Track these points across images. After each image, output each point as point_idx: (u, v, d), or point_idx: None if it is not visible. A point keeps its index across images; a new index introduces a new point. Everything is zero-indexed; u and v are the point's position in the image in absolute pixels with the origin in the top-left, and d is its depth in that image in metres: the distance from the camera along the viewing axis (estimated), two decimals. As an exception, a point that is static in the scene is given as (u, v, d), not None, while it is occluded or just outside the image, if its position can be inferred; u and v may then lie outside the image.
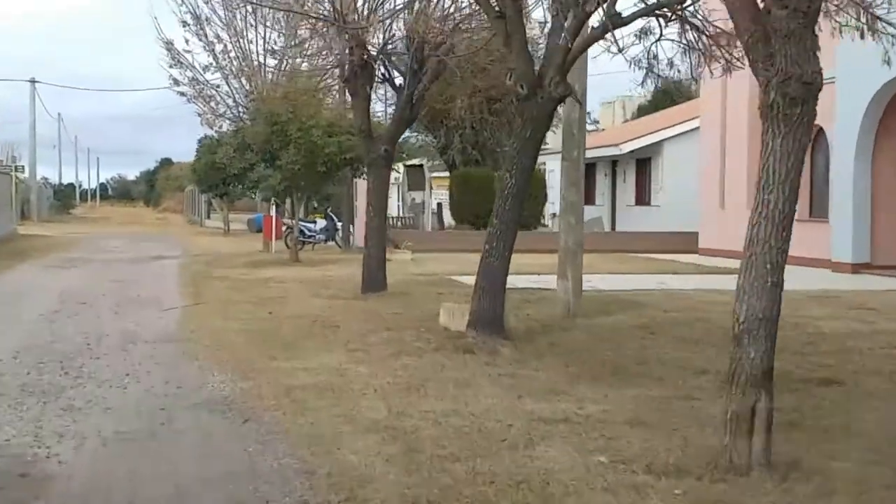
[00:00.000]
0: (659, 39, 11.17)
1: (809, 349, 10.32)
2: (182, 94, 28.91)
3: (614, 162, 34.84)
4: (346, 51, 14.54)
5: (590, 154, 36.63)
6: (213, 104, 29.00)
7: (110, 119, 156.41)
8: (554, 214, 35.23)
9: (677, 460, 6.09)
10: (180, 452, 6.57)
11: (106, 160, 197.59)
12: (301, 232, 30.81)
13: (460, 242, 28.64)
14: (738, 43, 10.87)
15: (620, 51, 9.84)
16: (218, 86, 28.61)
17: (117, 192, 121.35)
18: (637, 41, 11.43)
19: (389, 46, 14.98)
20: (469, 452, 6.22)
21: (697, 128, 30.20)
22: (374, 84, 15.10)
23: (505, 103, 42.49)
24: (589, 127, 56.42)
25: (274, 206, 28.23)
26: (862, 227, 19.25)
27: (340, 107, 23.20)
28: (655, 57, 11.99)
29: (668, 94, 49.28)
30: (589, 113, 59.86)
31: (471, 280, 18.15)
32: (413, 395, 7.98)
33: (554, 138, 44.53)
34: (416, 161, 45.76)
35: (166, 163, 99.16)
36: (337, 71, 18.84)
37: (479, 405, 7.60)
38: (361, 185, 25.96)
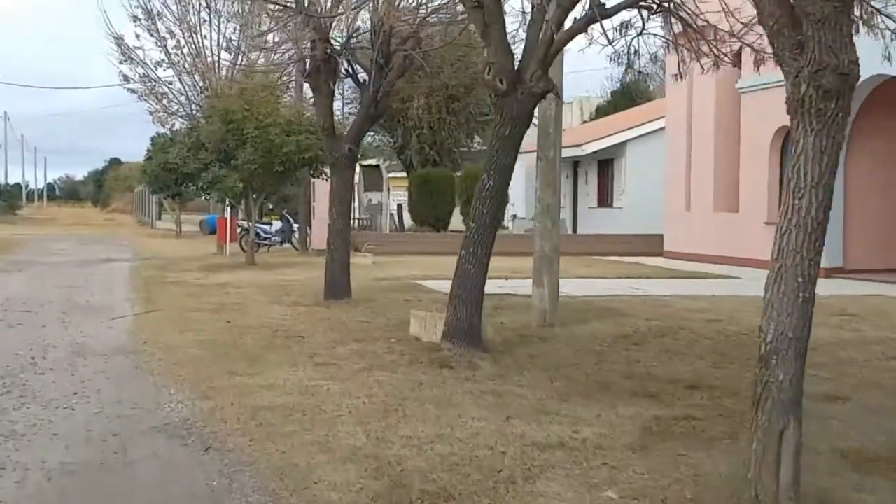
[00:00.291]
0: (641, 33, 10.64)
1: (811, 361, 9.75)
2: (133, 91, 28.03)
3: (576, 163, 34.36)
4: (309, 44, 13.82)
5: (550, 155, 36.29)
6: (165, 102, 28.11)
7: (58, 118, 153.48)
8: (514, 216, 34.69)
9: (695, 495, 5.48)
10: (136, 488, 5.84)
11: (53, 160, 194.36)
12: (256, 234, 30.03)
13: (421, 244, 28.06)
14: (726, 38, 10.38)
15: (611, 43, 9.25)
16: (170, 83, 27.72)
17: (65, 193, 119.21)
18: (619, 35, 10.91)
19: (353, 40, 14.28)
20: (463, 488, 5.56)
21: (661, 128, 29.81)
22: (338, 80, 14.36)
23: (464, 103, 42.17)
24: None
25: (229, 208, 27.35)
26: (834, 232, 18.86)
27: (298, 104, 22.45)
28: (636, 52, 11.48)
29: (628, 95, 49.13)
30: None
31: (437, 285, 17.67)
32: (392, 416, 7.29)
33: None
34: (372, 161, 45.03)
35: (115, 163, 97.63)
36: (296, 66, 18.17)
37: (466, 429, 6.94)
38: (319, 185, 25.26)
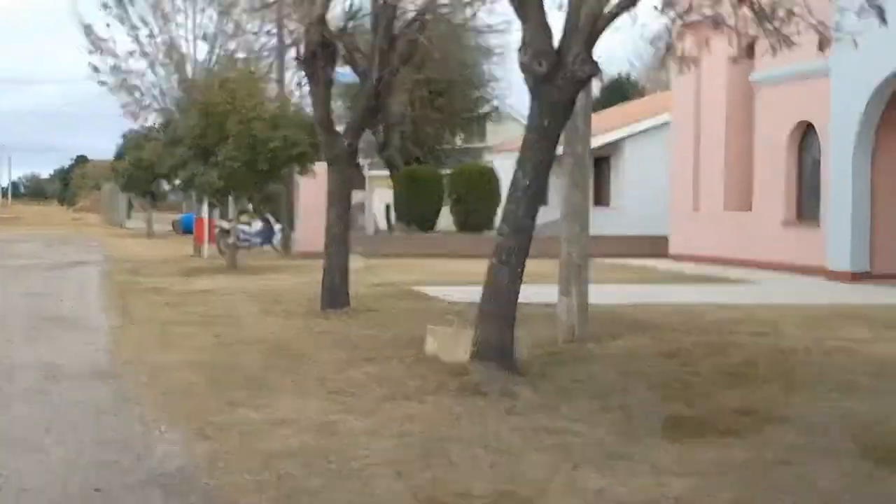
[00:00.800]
0: (689, 11, 9.49)
1: (891, 386, 8.58)
2: (103, 83, 26.48)
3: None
4: (303, 28, 12.51)
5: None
6: (137, 95, 26.60)
7: (22, 114, 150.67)
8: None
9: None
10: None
11: (17, 158, 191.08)
12: (236, 235, 28.59)
13: (410, 246, 26.75)
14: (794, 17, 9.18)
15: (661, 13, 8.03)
16: (143, 74, 26.22)
17: (30, 191, 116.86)
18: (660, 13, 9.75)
19: (352, 22, 12.98)
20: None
21: (662, 124, 28.72)
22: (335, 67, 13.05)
23: (448, 98, 40.85)
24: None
25: (207, 207, 25.92)
26: (861, 233, 17.78)
27: (282, 96, 21.10)
28: (681, 32, 10.28)
29: (618, 91, 48.03)
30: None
31: (438, 291, 16.34)
32: (435, 464, 6.01)
33: (495, 132, 42.85)
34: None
35: (82, 160, 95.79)
36: (276, 54, 16.89)
37: (530, 482, 5.68)
38: (304, 184, 23.90)
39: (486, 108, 42.67)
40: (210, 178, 19.50)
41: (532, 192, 8.44)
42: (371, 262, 21.78)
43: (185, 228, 42.11)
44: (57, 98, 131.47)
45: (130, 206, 52.60)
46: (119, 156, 42.69)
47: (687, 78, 23.48)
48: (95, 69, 26.39)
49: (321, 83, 12.78)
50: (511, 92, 43.98)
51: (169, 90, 26.43)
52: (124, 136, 27.19)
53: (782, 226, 20.34)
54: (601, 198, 31.18)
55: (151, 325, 12.43)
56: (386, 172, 40.05)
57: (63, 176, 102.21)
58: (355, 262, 21.43)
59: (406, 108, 35.17)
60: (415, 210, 32.86)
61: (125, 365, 9.65)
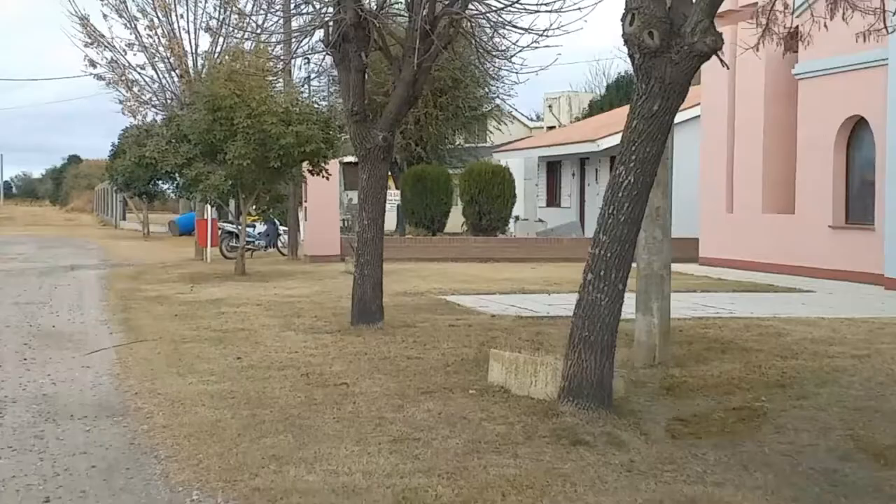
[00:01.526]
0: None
1: None
2: (100, 77, 24.96)
3: (583, 160, 31.71)
4: (336, 6, 11.02)
5: (556, 151, 33.58)
6: (136, 90, 25.07)
7: (13, 113, 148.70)
8: (517, 217, 31.93)
9: None
10: None
11: (9, 157, 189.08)
12: (238, 237, 27.05)
13: (421, 249, 25.19)
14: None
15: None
16: (143, 67, 24.68)
17: (22, 191, 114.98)
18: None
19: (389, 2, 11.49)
20: None
21: (686, 120, 27.18)
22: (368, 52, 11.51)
23: (451, 96, 39.39)
24: (535, 124, 53.51)
25: (211, 208, 24.41)
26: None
27: (291, 90, 19.59)
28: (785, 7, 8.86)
29: (623, 90, 46.54)
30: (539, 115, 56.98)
31: (472, 302, 14.78)
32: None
33: (495, 132, 41.43)
34: (351, 158, 42.14)
35: (75, 160, 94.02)
36: (286, 43, 15.54)
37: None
38: (313, 184, 22.38)
39: (488, 107, 41.20)
40: (217, 178, 17.97)
41: (637, 192, 6.96)
42: (386, 266, 20.25)
43: (183, 229, 40.57)
44: (49, 97, 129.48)
45: (125, 206, 50.92)
46: (115, 155, 41.05)
47: (719, 71, 22.05)
48: (92, 63, 24.89)
49: (353, 69, 11.27)
50: (515, 91, 42.46)
51: (170, 85, 24.92)
52: (123, 132, 25.57)
53: (830, 230, 18.88)
54: (621, 199, 29.71)
55: (161, 344, 10.92)
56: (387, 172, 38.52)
57: (55, 176, 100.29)
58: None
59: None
60: (423, 211, 31.35)
61: (135, 397, 8.15)
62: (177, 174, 18.61)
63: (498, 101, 40.97)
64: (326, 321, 12.59)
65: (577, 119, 46.99)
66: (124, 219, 51.36)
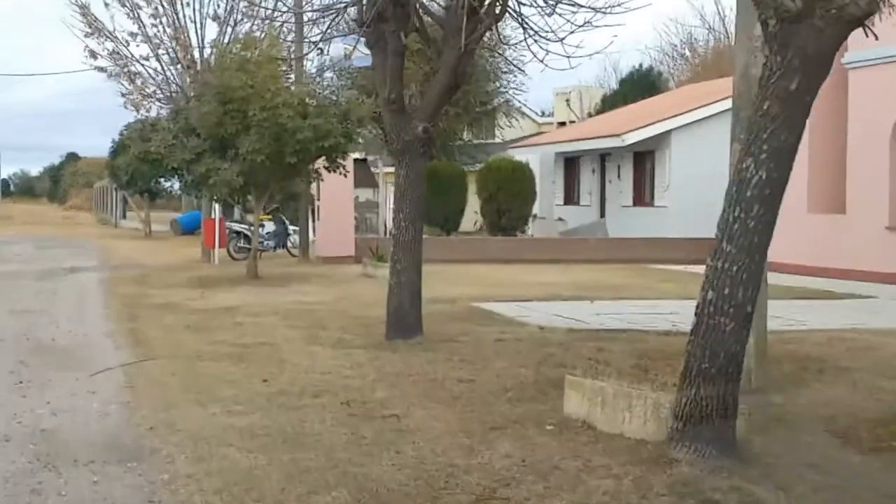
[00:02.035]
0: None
1: None
2: (101, 69, 23.66)
3: (603, 156, 30.43)
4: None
5: (574, 147, 32.33)
6: (139, 82, 23.79)
7: (10, 111, 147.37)
8: (535, 216, 30.71)
9: None
10: None
11: (7, 155, 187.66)
12: (246, 238, 25.80)
13: (439, 250, 23.67)
14: None
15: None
16: (146, 57, 23.39)
17: (19, 189, 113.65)
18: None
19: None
20: None
21: (715, 114, 26.02)
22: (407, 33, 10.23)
23: (462, 91, 38.17)
24: (544, 119, 52.31)
25: (219, 207, 23.15)
26: None
27: (306, 80, 18.31)
28: None
29: (640, 83, 45.25)
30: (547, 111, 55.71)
31: (509, 310, 13.40)
32: None
33: (504, 128, 40.24)
34: (357, 155, 40.85)
35: (72, 158, 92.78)
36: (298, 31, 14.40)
37: None
38: (327, 181, 21.06)
39: (499, 102, 39.92)
40: (229, 174, 16.70)
41: (770, 190, 5.73)
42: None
43: (186, 229, 39.30)
44: (46, 94, 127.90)
45: (125, 204, 49.60)
46: (115, 152, 39.76)
47: (757, 59, 20.77)
48: (93, 54, 23.59)
49: (391, 52, 10.01)
50: (526, 85, 41.22)
51: (175, 77, 23.65)
52: (126, 127, 24.23)
53: (886, 231, 17.64)
54: (642, 196, 28.47)
55: (175, 362, 9.66)
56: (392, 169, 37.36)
57: (53, 174, 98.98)
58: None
59: (417, 101, 32.51)
60: (436, 210, 30.04)
61: (150, 433, 6.89)
62: (184, 170, 17.31)
63: (509, 95, 39.82)
64: (355, 334, 11.34)
65: (591, 114, 45.73)
66: (124, 217, 50.05)
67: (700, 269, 18.62)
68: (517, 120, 43.24)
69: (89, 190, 74.54)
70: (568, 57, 10.76)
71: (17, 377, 9.02)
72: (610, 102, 44.61)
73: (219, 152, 17.32)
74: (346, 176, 19.29)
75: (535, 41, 10.53)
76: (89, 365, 9.70)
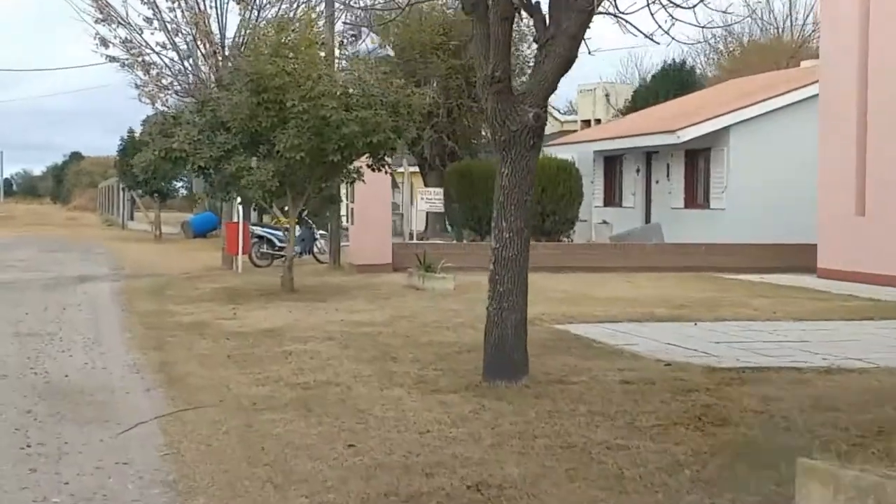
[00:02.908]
0: None
1: None
2: (113, 59, 21.63)
3: (649, 154, 28.31)
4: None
5: (617, 145, 30.24)
6: (154, 73, 21.74)
7: (15, 110, 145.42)
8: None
9: None
10: None
11: (9, 155, 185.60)
12: (269, 243, 23.76)
13: (478, 257, 21.63)
14: None
15: None
16: (164, 45, 21.34)
17: (22, 189, 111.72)
18: None
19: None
20: None
21: (781, 108, 24.04)
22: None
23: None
24: (566, 118, 50.24)
25: (242, 210, 21.12)
26: None
27: (361, 60, 16.18)
28: None
29: (672, 78, 43.14)
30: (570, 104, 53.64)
31: (606, 334, 11.12)
32: None
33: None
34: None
35: (76, 157, 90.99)
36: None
37: None
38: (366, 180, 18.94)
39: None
40: (263, 174, 14.60)
41: None
42: (461, 280, 16.91)
43: (198, 231, 37.30)
44: (48, 93, 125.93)
45: (133, 205, 47.51)
46: (123, 150, 37.76)
47: (845, 39, 18.74)
48: (104, 41, 21.56)
49: (496, 18, 7.93)
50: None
51: (193, 67, 21.61)
52: (145, 121, 22.09)
53: None
54: (695, 197, 26.35)
55: (225, 413, 7.57)
56: (415, 169, 35.49)
57: (57, 173, 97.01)
58: (443, 282, 16.71)
59: (440, 98, 30.67)
60: (469, 212, 27.99)
61: (218, 544, 4.81)
62: (211, 170, 15.20)
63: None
64: (436, 369, 9.26)
65: (622, 111, 43.66)
66: (132, 219, 47.98)
67: (782, 279, 16.43)
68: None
69: (93, 190, 72.67)
70: (701, 27, 8.76)
71: (23, 438, 6.95)
72: (642, 98, 42.51)
73: (250, 149, 15.23)
74: (391, 175, 17.20)
75: (664, 6, 8.48)
76: (115, 416, 7.63)
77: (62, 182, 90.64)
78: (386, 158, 15.94)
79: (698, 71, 45.46)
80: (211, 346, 10.81)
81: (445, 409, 7.60)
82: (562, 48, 8.04)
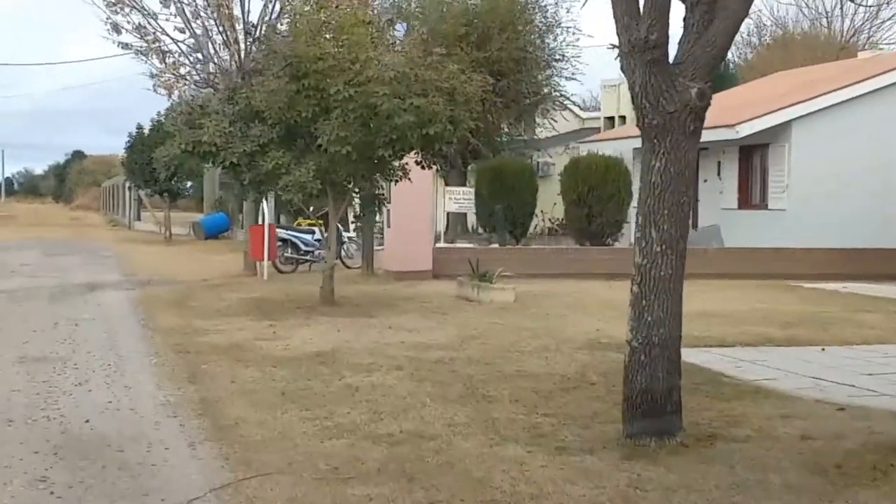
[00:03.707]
0: None
1: None
2: (126, 46, 19.76)
3: (697, 150, 26.38)
4: None
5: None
6: (170, 61, 19.88)
7: (15, 109, 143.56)
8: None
9: None
10: None
11: (10, 154, 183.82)
12: (294, 246, 21.91)
13: (526, 262, 19.78)
14: None
15: None
16: (182, 30, 19.48)
17: (23, 188, 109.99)
18: None
19: None
20: None
21: (846, 100, 22.16)
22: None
23: (512, 80, 34.17)
24: (588, 115, 48.36)
25: (268, 211, 19.29)
26: None
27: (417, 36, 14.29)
28: None
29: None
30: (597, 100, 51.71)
31: (736, 368, 8.97)
32: None
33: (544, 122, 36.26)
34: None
35: (78, 156, 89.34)
36: None
37: None
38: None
39: (549, 92, 36.02)
40: (304, 172, 12.72)
41: None
42: (519, 288, 15.05)
43: (209, 233, 35.46)
44: (49, 93, 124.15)
45: (140, 204, 45.63)
46: (130, 147, 35.87)
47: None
48: (116, 27, 19.69)
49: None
50: (580, 71, 37.45)
51: (213, 55, 19.76)
52: (167, 111, 20.20)
53: None
54: (751, 197, 24.45)
55: (299, 484, 5.73)
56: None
57: (59, 172, 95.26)
58: (501, 293, 14.88)
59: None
60: (503, 213, 26.13)
61: None
62: (243, 167, 13.32)
63: (561, 85, 36.08)
64: (546, 413, 7.43)
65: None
66: (139, 219, 46.10)
67: (870, 289, 14.42)
68: (562, 115, 39.61)
69: (97, 189, 70.83)
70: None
71: (36, 527, 5.11)
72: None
73: (286, 143, 13.37)
74: (435, 169, 15.37)
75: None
76: (155, 484, 5.81)
77: (64, 181, 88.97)
78: (442, 153, 14.05)
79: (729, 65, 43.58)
80: (257, 378, 8.96)
81: (592, 481, 5.76)
82: (735, 3, 6.18)
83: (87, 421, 7.43)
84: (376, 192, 14.80)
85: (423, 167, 14.55)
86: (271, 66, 13.38)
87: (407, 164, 14.72)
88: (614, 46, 6.29)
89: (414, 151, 14.16)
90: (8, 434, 7.09)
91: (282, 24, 15.64)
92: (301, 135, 13.23)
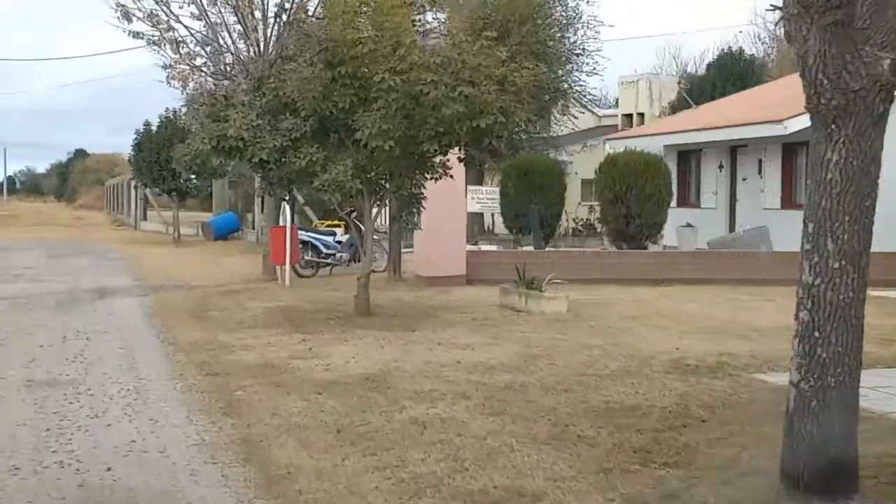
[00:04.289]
0: None
1: None
2: (137, 34, 18.50)
3: (734, 148, 25.12)
4: None
5: (695, 138, 27.08)
6: (184, 51, 18.63)
7: (16, 108, 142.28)
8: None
9: None
10: None
11: (12, 152, 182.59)
12: (314, 248, 20.61)
13: (567, 267, 18.31)
14: None
15: None
16: (199, 18, 18.20)
17: (26, 186, 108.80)
18: None
19: None
20: None
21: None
22: None
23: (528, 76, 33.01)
24: (605, 112, 47.04)
25: (289, 212, 18.00)
26: None
27: (453, 29, 12.95)
28: None
29: (727, 70, 39.96)
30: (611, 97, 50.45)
31: (863, 398, 7.74)
32: None
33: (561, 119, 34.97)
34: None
35: (81, 154, 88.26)
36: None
37: None
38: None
39: (567, 87, 34.78)
40: (341, 170, 11.41)
41: None
42: (572, 298, 13.74)
43: (219, 233, 34.19)
44: (49, 92, 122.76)
45: (147, 203, 44.32)
46: (137, 145, 34.54)
47: None
48: (126, 15, 18.43)
49: None
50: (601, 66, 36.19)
51: (230, 45, 18.48)
52: (187, 103, 18.91)
53: None
54: (794, 198, 23.14)
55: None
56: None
57: (61, 171, 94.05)
58: (553, 302, 13.60)
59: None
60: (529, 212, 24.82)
61: None
62: (273, 164, 12.00)
63: (581, 81, 34.84)
64: (663, 459, 6.12)
65: (672, 104, 40.52)
66: (145, 219, 44.79)
67: None
68: (580, 111, 38.44)
69: (100, 188, 69.59)
70: None
71: None
72: (697, 89, 39.34)
73: (319, 137, 12.06)
74: (490, 169, 14.03)
75: None
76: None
77: (66, 180, 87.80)
78: (493, 147, 12.71)
79: (756, 60, 42.29)
80: (303, 409, 7.64)
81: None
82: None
83: (109, 469, 6.13)
84: (416, 191, 13.45)
85: (466, 165, 13.23)
86: (304, 51, 12.07)
87: (448, 160, 13.43)
88: (776, 8, 5.00)
89: (458, 146, 12.87)
90: (13, 486, 5.80)
91: (312, 8, 14.31)
92: (336, 128, 11.94)
